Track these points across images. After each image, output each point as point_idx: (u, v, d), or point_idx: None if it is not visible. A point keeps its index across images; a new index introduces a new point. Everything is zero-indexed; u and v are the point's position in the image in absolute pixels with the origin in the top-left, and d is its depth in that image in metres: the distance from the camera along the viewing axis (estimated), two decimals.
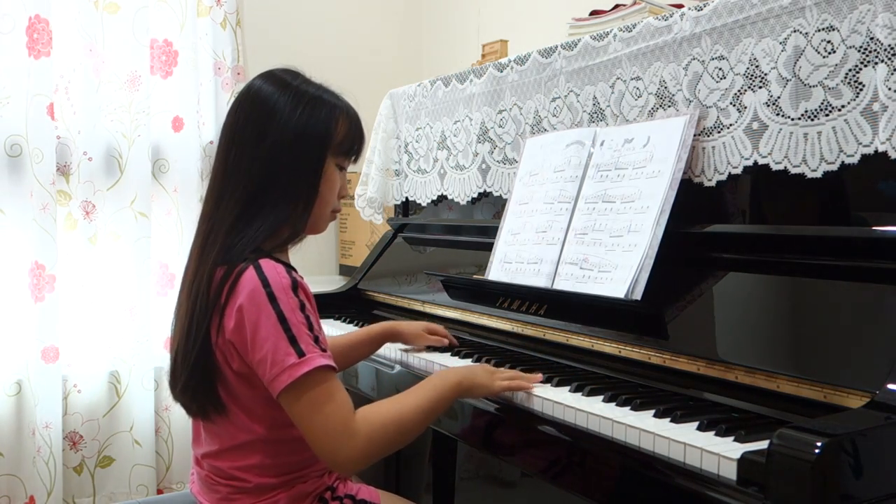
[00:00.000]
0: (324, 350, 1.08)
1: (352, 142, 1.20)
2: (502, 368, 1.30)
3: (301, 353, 1.05)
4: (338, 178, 1.20)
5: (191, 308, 1.12)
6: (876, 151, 1.08)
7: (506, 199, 1.73)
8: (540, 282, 1.50)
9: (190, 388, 1.12)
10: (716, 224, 1.30)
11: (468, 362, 1.46)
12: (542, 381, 1.25)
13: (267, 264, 1.09)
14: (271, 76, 1.20)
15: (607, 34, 1.52)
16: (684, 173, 1.32)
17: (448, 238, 2.04)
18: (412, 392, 1.16)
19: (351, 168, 1.26)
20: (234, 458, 1.14)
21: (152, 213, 2.55)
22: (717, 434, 0.98)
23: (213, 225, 1.14)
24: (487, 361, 1.43)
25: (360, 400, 1.20)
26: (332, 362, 1.08)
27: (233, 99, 1.33)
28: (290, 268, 1.12)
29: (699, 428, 1.00)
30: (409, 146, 2.19)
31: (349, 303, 2.14)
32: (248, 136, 1.15)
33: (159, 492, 2.56)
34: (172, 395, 1.18)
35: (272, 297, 1.06)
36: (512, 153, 1.82)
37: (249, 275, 1.07)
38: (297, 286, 1.09)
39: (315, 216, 1.18)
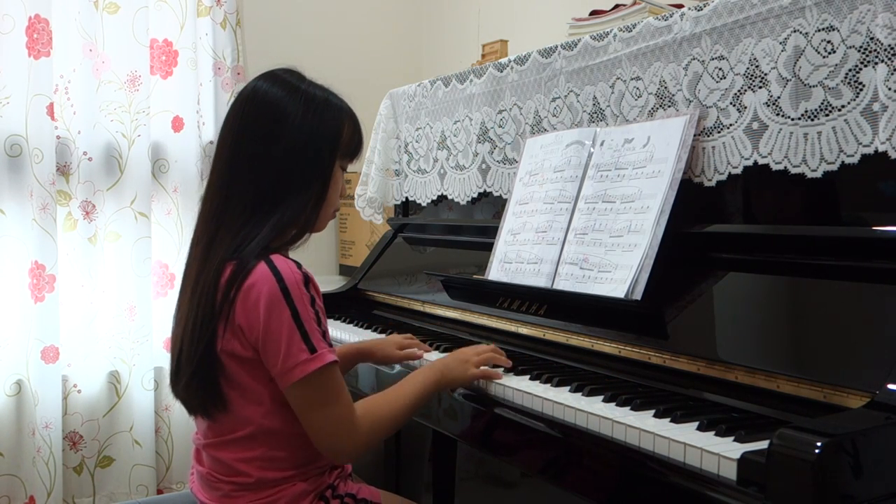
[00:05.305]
0: (330, 345, 1.13)
1: (357, 144, 1.25)
2: (480, 348, 1.37)
3: (313, 350, 1.09)
4: (341, 178, 1.23)
5: (196, 305, 1.13)
6: (876, 151, 1.08)
7: (506, 199, 1.73)
8: (540, 282, 1.50)
9: (193, 384, 1.13)
10: (716, 224, 1.30)
11: None
12: (509, 369, 1.33)
13: (278, 260, 1.12)
14: (275, 78, 1.21)
15: (607, 34, 1.52)
16: (684, 173, 1.32)
17: (448, 238, 2.04)
18: (402, 386, 1.24)
19: (350, 168, 1.28)
20: (236, 450, 1.15)
21: (152, 212, 2.55)
22: (717, 434, 0.98)
23: (220, 224, 1.16)
24: None
25: (360, 399, 1.21)
26: (337, 358, 1.13)
27: (233, 99, 1.34)
28: (298, 264, 1.14)
29: (699, 428, 1.00)
30: (409, 146, 2.19)
31: (349, 303, 2.14)
32: (258, 138, 1.17)
33: (159, 492, 2.56)
34: (174, 392, 1.20)
35: (286, 293, 1.09)
36: (512, 153, 1.82)
37: (262, 269, 1.10)
38: (308, 281, 1.12)
39: (321, 216, 1.21)
